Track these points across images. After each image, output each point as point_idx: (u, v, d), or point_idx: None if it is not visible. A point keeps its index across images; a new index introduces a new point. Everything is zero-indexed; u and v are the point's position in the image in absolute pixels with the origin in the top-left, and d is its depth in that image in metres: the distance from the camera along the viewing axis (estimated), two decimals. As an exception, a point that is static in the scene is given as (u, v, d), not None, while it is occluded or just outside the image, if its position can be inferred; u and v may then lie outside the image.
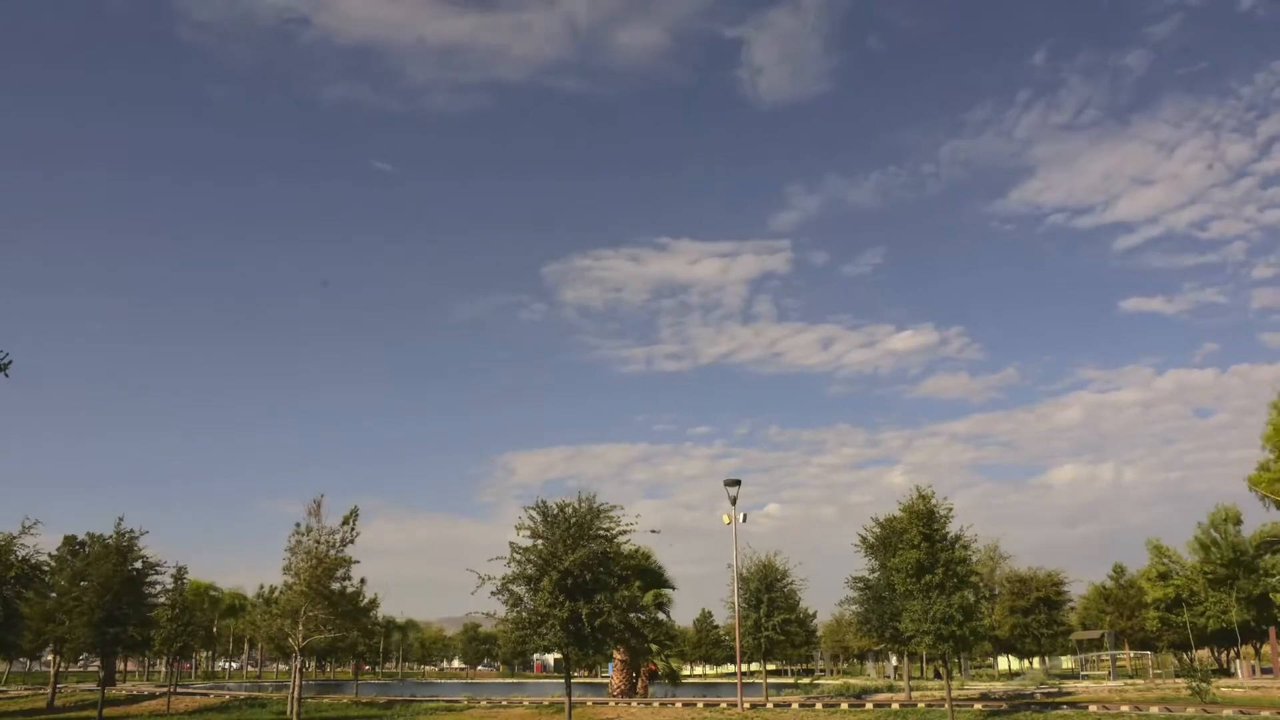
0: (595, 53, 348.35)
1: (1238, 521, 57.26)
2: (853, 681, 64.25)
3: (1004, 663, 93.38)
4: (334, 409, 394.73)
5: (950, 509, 29.05)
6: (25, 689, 56.49)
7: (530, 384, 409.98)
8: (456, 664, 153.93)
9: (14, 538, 35.59)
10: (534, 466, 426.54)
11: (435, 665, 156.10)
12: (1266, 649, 62.91)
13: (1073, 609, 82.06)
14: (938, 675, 30.96)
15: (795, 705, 35.06)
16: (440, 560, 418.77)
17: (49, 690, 45.81)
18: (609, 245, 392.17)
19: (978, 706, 32.69)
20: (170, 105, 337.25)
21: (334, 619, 34.13)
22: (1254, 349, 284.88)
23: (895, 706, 33.05)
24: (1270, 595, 53.02)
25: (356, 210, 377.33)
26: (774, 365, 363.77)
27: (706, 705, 35.78)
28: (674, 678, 49.16)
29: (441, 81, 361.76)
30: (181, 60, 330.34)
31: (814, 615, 50.73)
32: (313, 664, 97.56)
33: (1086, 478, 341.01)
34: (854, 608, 39.25)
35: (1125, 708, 30.42)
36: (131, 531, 35.76)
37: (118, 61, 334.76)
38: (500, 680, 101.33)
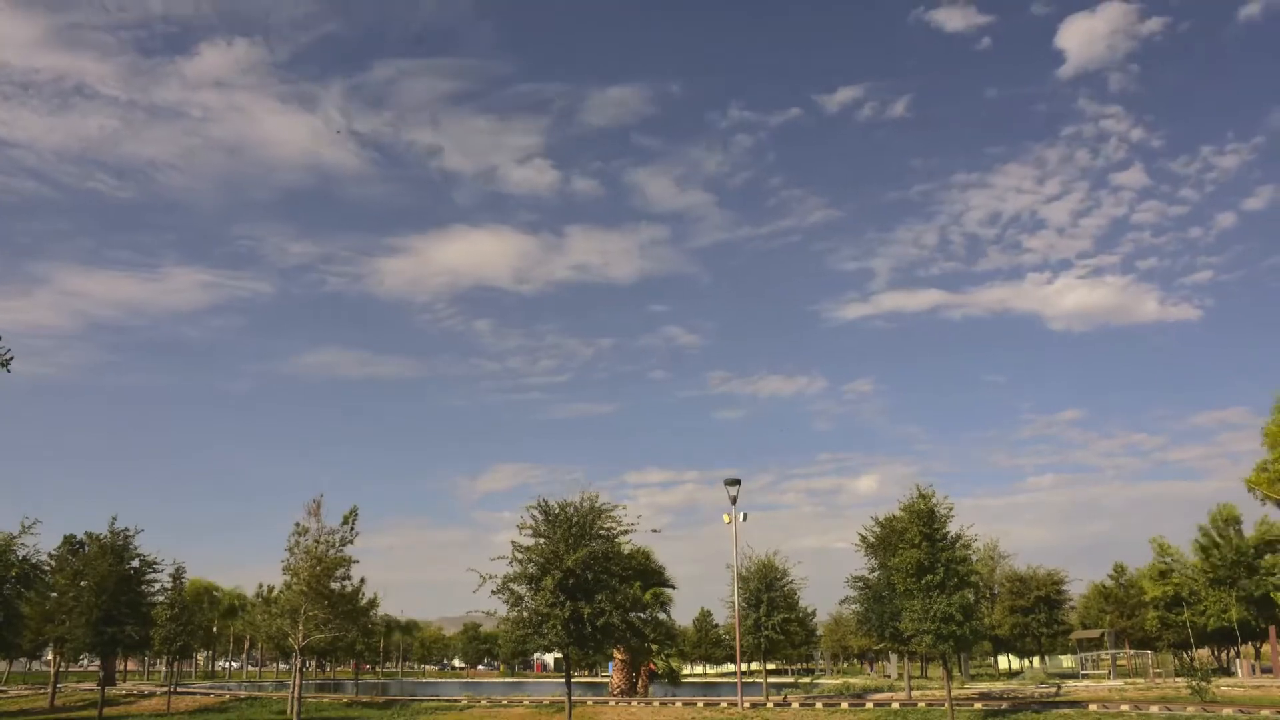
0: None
1: (1237, 522, 57.21)
2: (852, 681, 64.25)
3: (1004, 662, 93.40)
4: (330, 409, 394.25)
5: (950, 509, 29.08)
6: (26, 689, 56.46)
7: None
8: (457, 663, 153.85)
9: (14, 537, 35.50)
10: (506, 475, 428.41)
11: (435, 665, 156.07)
12: (1266, 648, 62.88)
13: (1073, 608, 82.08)
14: (945, 670, 30.97)
15: (795, 705, 35.05)
16: (431, 562, 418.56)
17: (49, 690, 45.85)
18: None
19: (978, 706, 32.70)
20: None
21: (334, 619, 34.08)
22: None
23: (895, 706, 33.06)
24: (1271, 595, 52.96)
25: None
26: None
27: (706, 705, 35.78)
28: (674, 677, 49.16)
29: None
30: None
31: (813, 614, 50.65)
32: (313, 664, 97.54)
33: (1066, 483, 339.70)
34: (854, 607, 39.25)
35: (1125, 707, 30.42)
36: (126, 530, 35.79)
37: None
38: (500, 680, 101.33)
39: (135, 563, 36.01)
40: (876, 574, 36.73)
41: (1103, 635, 68.09)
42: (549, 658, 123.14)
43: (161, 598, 39.51)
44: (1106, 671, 57.73)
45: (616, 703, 38.33)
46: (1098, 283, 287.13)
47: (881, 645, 46.38)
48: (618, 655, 44.64)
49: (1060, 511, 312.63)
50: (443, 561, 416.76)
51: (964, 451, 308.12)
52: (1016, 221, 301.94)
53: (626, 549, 32.89)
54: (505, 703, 39.52)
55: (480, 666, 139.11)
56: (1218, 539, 57.25)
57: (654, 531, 64.27)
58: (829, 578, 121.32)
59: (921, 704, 33.57)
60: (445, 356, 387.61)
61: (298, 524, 34.08)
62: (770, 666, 51.55)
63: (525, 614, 26.38)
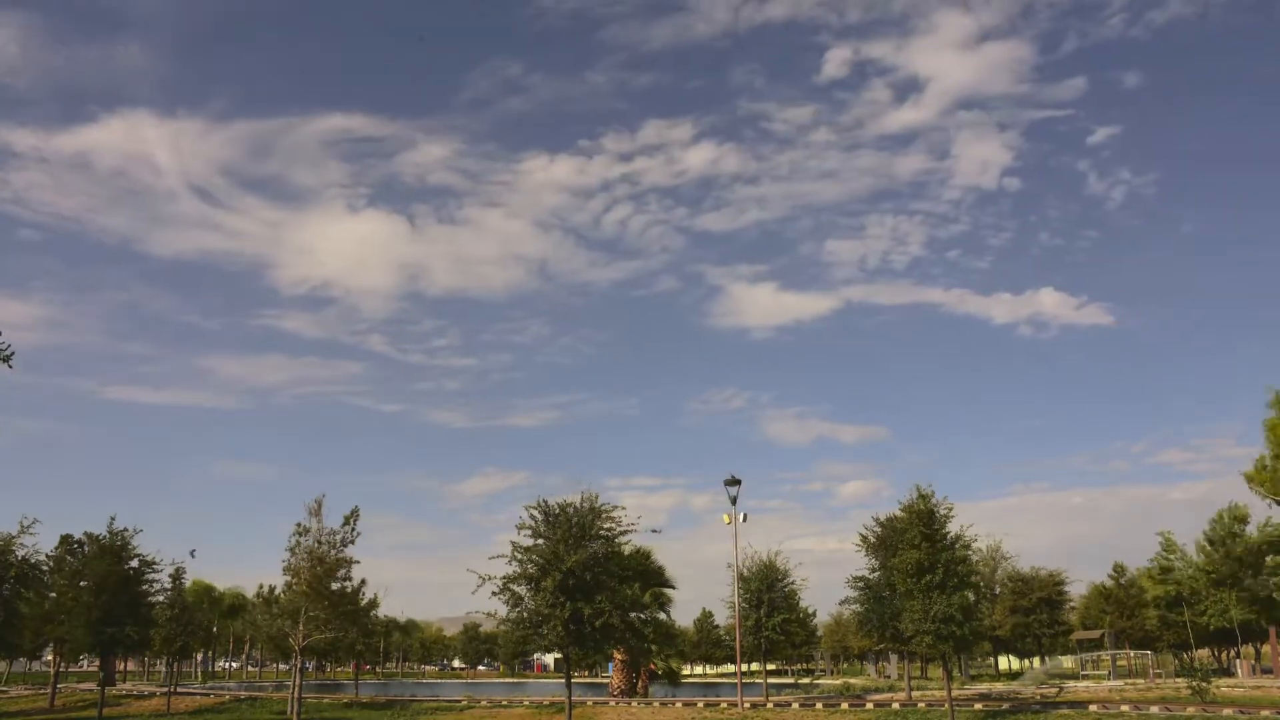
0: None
1: (1245, 522, 56.93)
2: (853, 681, 64.19)
3: (1004, 662, 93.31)
4: (329, 408, 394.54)
5: (951, 509, 29.06)
6: (26, 689, 56.41)
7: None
8: (456, 664, 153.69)
9: (13, 537, 35.55)
10: (495, 480, 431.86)
11: (435, 665, 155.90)
12: (1266, 649, 62.86)
13: (1073, 609, 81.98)
14: (946, 671, 30.93)
15: (795, 705, 35.02)
16: (429, 563, 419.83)
17: (49, 690, 45.81)
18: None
19: (978, 706, 32.67)
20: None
21: (334, 619, 34.08)
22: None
23: (895, 706, 33.03)
24: (1275, 595, 52.79)
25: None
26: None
27: (707, 705, 35.75)
28: (674, 678, 49.10)
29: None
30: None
31: (814, 614, 50.69)
32: (313, 664, 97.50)
33: (1056, 486, 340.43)
34: (854, 607, 39.25)
35: (1125, 707, 30.40)
36: (125, 530, 35.74)
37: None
38: (500, 680, 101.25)
39: (134, 563, 35.98)
40: (877, 574, 36.74)
41: (1103, 636, 68.03)
42: (549, 658, 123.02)
43: (161, 598, 39.49)
44: (1107, 672, 57.66)
45: (616, 703, 38.31)
46: (1033, 296, 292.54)
47: (882, 646, 46.41)
48: (618, 656, 44.59)
49: (1051, 514, 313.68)
50: (441, 562, 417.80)
51: (948, 455, 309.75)
52: (947, 243, 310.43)
53: (627, 550, 32.91)
54: (505, 703, 39.51)
55: (480, 667, 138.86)
56: (1223, 539, 57.03)
57: (654, 531, 64.13)
58: (814, 580, 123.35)
59: (921, 704, 33.53)
60: (366, 367, 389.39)
61: (298, 524, 34.12)
62: (770, 667, 51.51)
63: (525, 614, 26.38)
